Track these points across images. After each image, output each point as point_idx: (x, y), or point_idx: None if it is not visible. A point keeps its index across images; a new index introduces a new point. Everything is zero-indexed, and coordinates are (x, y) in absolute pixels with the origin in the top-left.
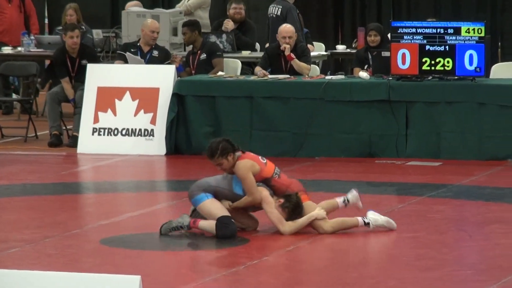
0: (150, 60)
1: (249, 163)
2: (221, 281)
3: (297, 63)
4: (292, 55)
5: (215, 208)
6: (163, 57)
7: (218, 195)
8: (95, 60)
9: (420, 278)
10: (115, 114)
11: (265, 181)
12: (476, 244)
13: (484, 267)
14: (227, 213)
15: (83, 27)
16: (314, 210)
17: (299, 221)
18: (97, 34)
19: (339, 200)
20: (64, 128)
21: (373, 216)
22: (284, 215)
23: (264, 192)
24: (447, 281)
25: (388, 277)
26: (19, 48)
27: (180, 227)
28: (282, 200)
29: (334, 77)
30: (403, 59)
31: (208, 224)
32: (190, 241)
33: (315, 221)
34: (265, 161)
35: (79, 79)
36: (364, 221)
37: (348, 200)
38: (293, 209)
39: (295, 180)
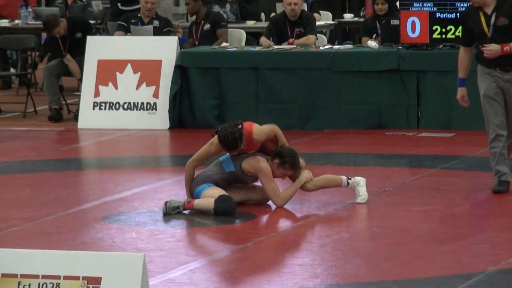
0: None
1: (264, 135)
2: (228, 258)
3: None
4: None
5: (215, 192)
6: (163, 27)
7: (218, 182)
8: (90, 31)
9: (435, 252)
10: (116, 87)
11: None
12: (491, 217)
13: (500, 241)
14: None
15: (84, 0)
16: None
17: (290, 190)
18: (97, 5)
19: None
20: (64, 102)
21: (358, 181)
22: (290, 173)
23: (262, 163)
24: (463, 255)
25: (402, 251)
26: (17, 21)
27: (177, 207)
28: (277, 160)
29: (341, 46)
30: (413, 28)
31: (205, 202)
32: (196, 219)
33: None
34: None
35: (77, 53)
36: (348, 181)
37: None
38: (293, 162)
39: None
